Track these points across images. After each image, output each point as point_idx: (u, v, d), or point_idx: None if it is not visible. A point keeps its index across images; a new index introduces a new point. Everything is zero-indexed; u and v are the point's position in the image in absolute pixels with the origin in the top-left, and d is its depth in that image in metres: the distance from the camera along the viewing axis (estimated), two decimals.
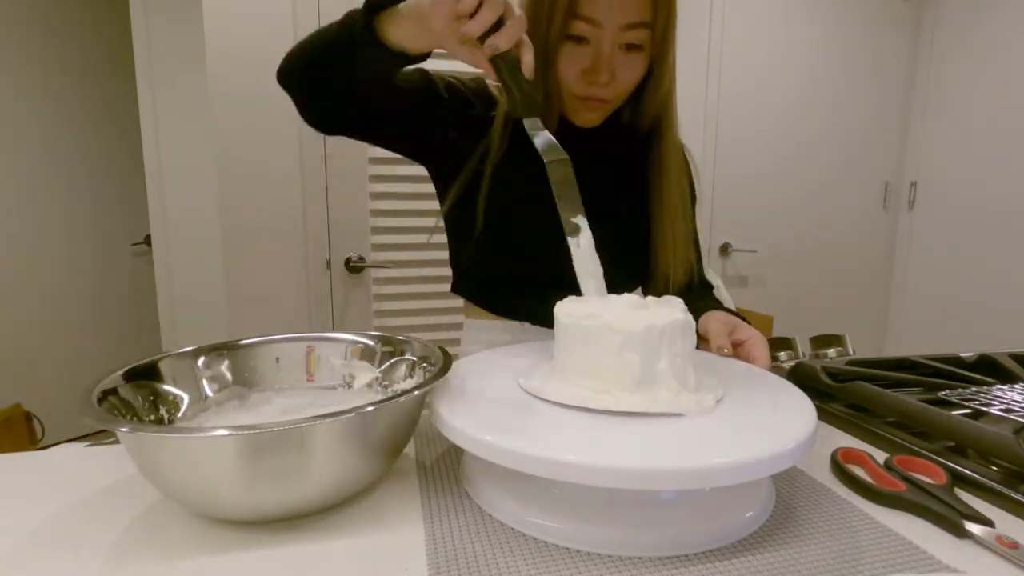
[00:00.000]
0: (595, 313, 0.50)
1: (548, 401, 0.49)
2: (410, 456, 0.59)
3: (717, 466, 0.39)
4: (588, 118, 0.76)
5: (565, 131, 0.77)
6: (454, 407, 0.48)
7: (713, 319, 0.68)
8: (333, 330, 1.64)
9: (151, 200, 2.12)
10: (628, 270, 0.82)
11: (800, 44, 2.33)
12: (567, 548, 0.43)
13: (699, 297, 0.78)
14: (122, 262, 2.62)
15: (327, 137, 1.61)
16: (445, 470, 0.56)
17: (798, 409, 0.48)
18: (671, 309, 0.51)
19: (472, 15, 0.51)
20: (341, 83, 0.65)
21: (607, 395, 0.48)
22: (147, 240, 2.39)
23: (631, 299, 0.55)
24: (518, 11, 0.53)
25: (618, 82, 0.71)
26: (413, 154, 0.81)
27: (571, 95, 0.74)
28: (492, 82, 0.77)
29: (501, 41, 0.52)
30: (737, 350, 0.66)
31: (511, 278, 0.82)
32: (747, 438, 0.43)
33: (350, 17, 0.60)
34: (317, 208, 1.63)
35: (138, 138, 2.10)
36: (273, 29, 1.53)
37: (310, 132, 1.61)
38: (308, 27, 1.51)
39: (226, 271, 1.59)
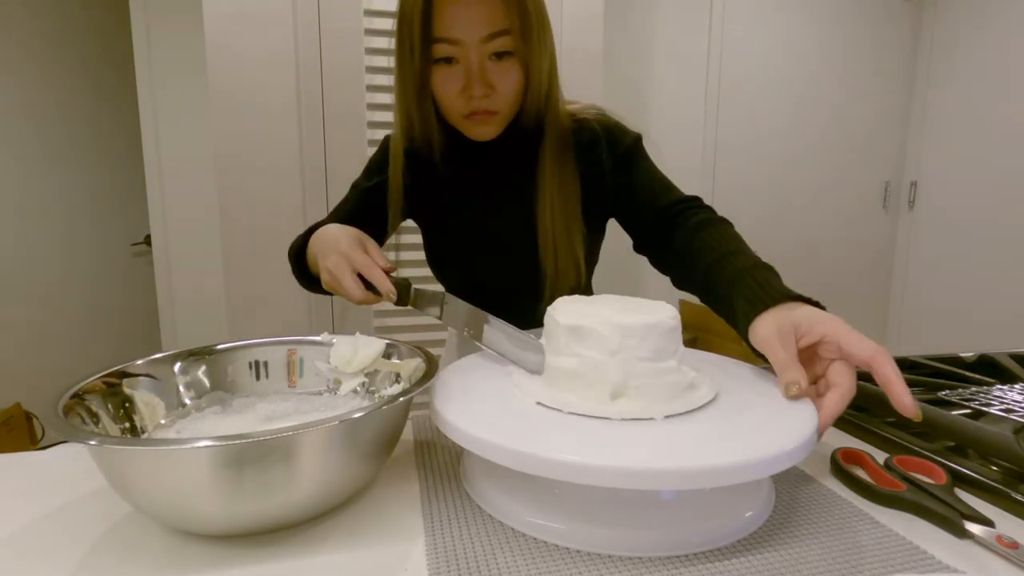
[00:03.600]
0: (583, 315, 0.50)
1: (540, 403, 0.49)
2: (410, 456, 0.59)
3: (717, 466, 0.39)
4: (482, 132, 0.74)
5: (466, 149, 0.78)
6: (454, 407, 0.48)
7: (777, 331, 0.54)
8: (333, 330, 1.64)
9: (151, 200, 2.13)
10: (534, 285, 0.77)
11: (800, 44, 2.33)
12: (567, 548, 0.43)
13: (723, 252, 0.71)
14: (122, 262, 2.62)
15: (327, 137, 1.62)
16: (445, 470, 0.56)
17: (798, 409, 0.48)
18: (657, 311, 0.51)
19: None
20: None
21: (589, 401, 0.48)
22: (147, 240, 2.39)
23: (620, 300, 0.55)
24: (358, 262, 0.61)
25: (498, 92, 0.70)
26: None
27: (457, 115, 0.73)
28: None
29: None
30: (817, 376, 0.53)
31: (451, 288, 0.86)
32: (747, 438, 0.43)
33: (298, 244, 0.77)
34: (317, 208, 1.63)
35: (138, 138, 2.11)
36: (273, 29, 1.53)
37: (310, 132, 1.62)
38: (308, 27, 1.53)
39: (226, 271, 1.59)
